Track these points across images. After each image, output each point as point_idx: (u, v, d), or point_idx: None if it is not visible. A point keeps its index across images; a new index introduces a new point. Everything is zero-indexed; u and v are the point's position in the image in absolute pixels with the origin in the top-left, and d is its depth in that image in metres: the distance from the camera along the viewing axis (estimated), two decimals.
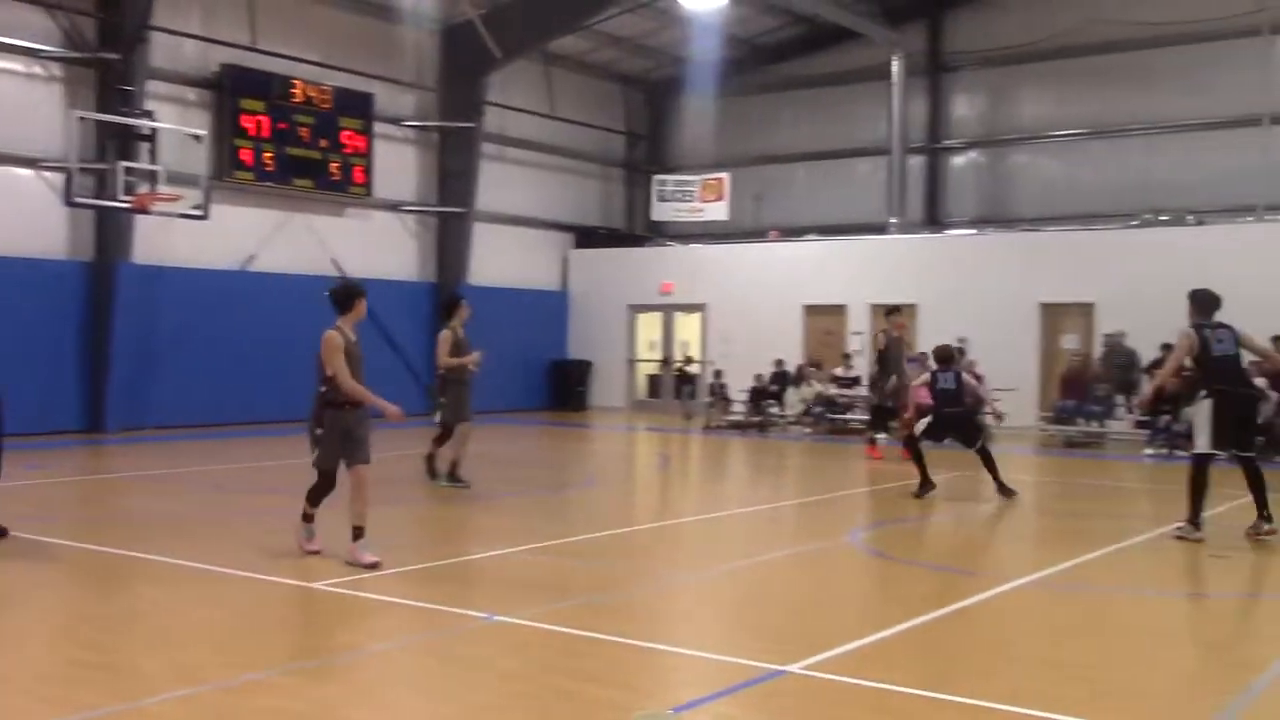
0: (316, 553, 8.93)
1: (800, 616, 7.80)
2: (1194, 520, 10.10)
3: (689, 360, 26.96)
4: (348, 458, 8.89)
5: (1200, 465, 10.15)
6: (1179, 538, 10.11)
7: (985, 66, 26.46)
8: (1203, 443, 10.12)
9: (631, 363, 28.30)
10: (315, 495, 9.16)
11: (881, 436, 17.83)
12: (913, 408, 14.55)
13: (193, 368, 20.62)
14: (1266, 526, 10.13)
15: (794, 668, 6.16)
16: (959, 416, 13.55)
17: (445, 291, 24.95)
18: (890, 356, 17.08)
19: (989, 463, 13.27)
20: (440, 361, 13.10)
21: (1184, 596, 8.84)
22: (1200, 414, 10.13)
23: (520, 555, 9.59)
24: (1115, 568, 9.52)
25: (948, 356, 13.98)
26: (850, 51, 27.18)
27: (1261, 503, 10.21)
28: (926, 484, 13.11)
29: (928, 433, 13.57)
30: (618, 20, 26.05)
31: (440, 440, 13.38)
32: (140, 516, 11.58)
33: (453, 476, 13.11)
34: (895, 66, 25.97)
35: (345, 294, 9.12)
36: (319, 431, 8.86)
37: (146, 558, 8.98)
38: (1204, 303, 10.35)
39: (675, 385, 26.95)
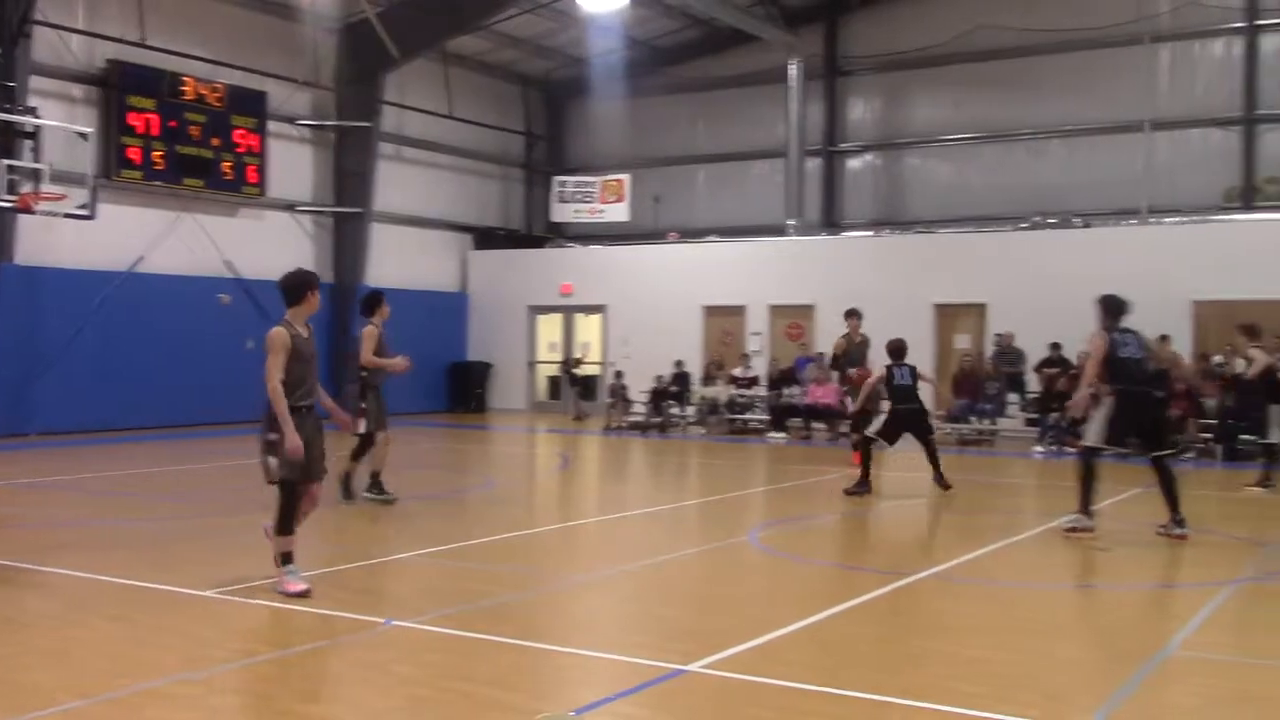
0: (307, 593, 7.72)
1: (700, 616, 7.85)
2: (1084, 510, 10.39)
3: (578, 362, 26.97)
4: (303, 471, 7.92)
5: (1088, 459, 10.46)
6: (1070, 530, 10.37)
7: (880, 71, 26.91)
8: (1093, 437, 10.45)
9: (532, 364, 28.22)
10: (288, 518, 7.98)
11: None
12: (860, 405, 14.61)
13: (79, 372, 20.07)
14: (1178, 531, 10.37)
15: (694, 667, 6.20)
16: (916, 413, 13.60)
17: (343, 293, 24.70)
18: (849, 360, 16.70)
19: (934, 454, 13.45)
20: (364, 359, 11.98)
21: (1073, 589, 9.07)
22: (1101, 411, 10.44)
23: (419, 560, 9.51)
24: (1008, 562, 9.75)
25: (901, 349, 13.79)
26: (749, 54, 27.43)
27: (1173, 504, 10.47)
28: (865, 484, 13.21)
29: (884, 433, 13.62)
30: (517, 21, 25.97)
31: (359, 454, 12.19)
32: (23, 525, 11.23)
33: (377, 488, 12.12)
34: (793, 70, 26.26)
35: (294, 284, 8.09)
36: (272, 438, 7.78)
37: (28, 568, 8.71)
38: (1113, 307, 10.73)
39: (568, 387, 26.98)
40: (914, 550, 11.00)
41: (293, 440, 7.68)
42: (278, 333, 7.88)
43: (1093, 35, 24.05)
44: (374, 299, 12.62)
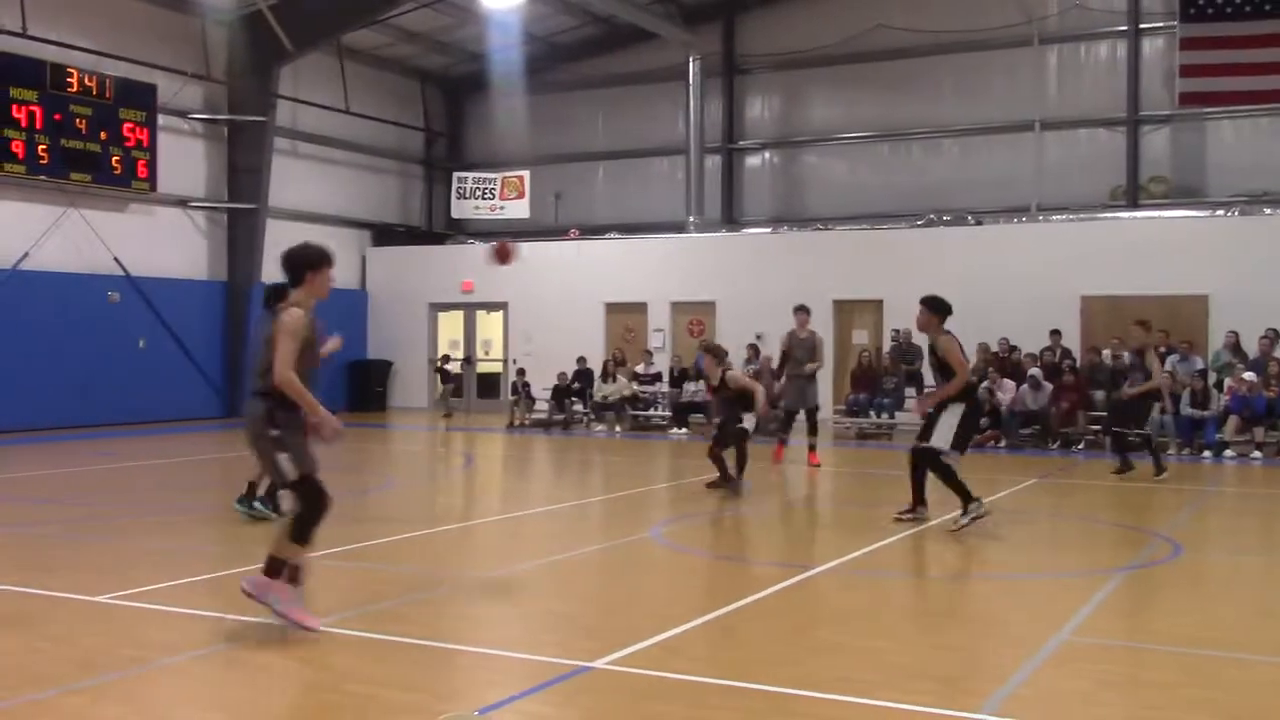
0: (315, 629, 6.78)
1: (603, 613, 7.84)
2: (967, 502, 10.53)
3: (446, 359, 26.81)
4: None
5: (936, 458, 10.73)
6: (968, 523, 10.50)
7: (778, 69, 27.16)
8: (942, 440, 10.60)
9: (433, 362, 27.97)
10: (310, 524, 6.89)
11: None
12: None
13: None
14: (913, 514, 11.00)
15: (599, 663, 6.19)
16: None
17: (236, 291, 24.25)
18: (793, 356, 16.25)
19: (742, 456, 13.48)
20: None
21: (966, 579, 9.25)
22: (952, 415, 10.69)
23: (318, 561, 9.35)
24: (904, 554, 9.91)
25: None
26: (648, 51, 27.50)
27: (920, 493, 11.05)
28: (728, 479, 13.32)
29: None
30: (414, 15, 25.70)
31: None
32: None
33: (270, 500, 10.80)
34: (692, 67, 26.40)
35: (301, 260, 6.98)
36: (275, 433, 6.86)
37: None
38: (945, 309, 11.01)
39: (439, 384, 26.87)
40: (815, 543, 11.13)
41: (328, 419, 6.80)
42: (294, 314, 6.78)
43: (984, 37, 24.58)
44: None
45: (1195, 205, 22.36)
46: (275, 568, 6.84)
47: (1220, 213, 21.29)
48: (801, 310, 16.46)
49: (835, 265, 23.40)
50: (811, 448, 16.20)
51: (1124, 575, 8.92)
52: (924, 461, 10.82)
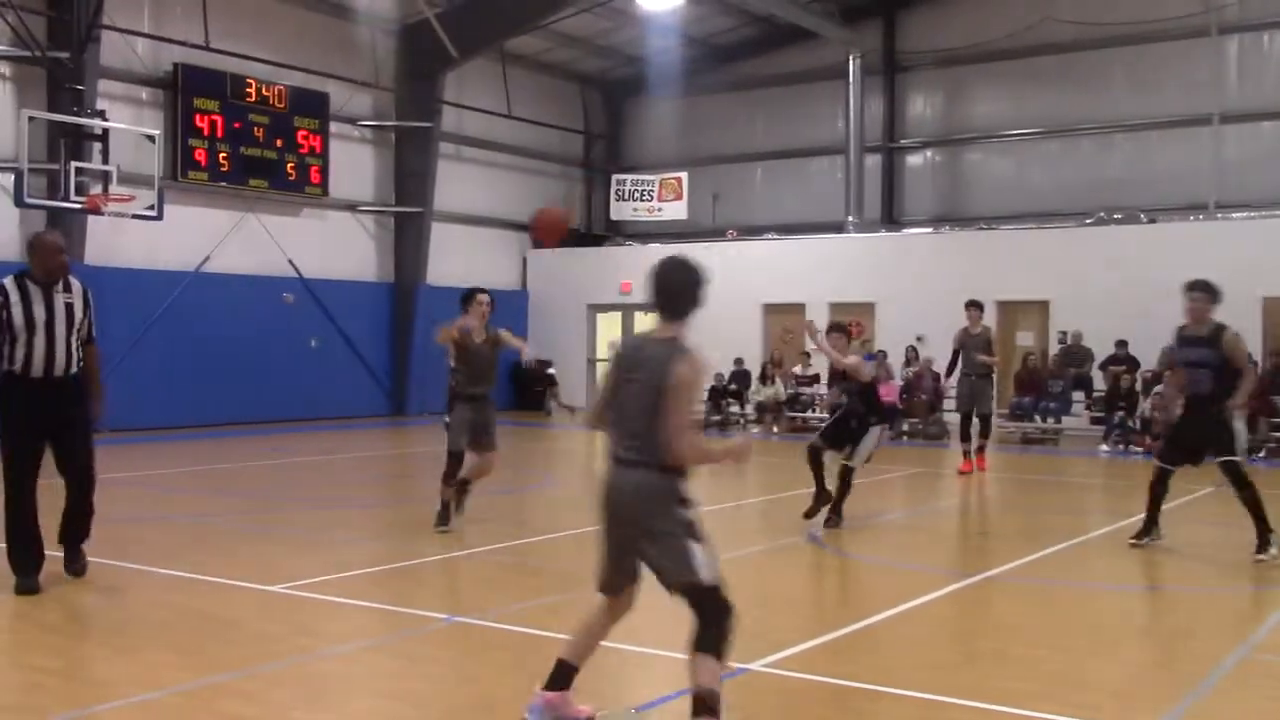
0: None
1: (761, 614, 7.81)
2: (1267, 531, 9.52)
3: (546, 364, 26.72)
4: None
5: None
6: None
7: (940, 66, 26.65)
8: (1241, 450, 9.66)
9: (592, 363, 28.27)
10: (725, 637, 5.21)
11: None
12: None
13: (145, 370, 20.38)
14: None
15: (755, 665, 6.17)
16: None
17: (403, 292, 24.94)
18: (967, 354, 15.67)
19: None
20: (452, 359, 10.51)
21: (1139, 590, 8.92)
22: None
23: (479, 556, 9.55)
24: (1068, 563, 9.61)
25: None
26: (807, 51, 27.29)
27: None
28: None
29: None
30: (574, 20, 26.02)
31: (448, 475, 10.44)
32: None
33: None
34: (852, 65, 26.10)
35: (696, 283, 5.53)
36: (687, 517, 5.31)
37: (99, 561, 8.85)
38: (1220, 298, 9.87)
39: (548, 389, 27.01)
40: (974, 551, 10.87)
41: (740, 445, 5.52)
42: (696, 363, 5.22)
43: (1157, 28, 23.64)
44: (466, 295, 10.80)
45: None
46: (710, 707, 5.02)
47: None
48: (974, 306, 15.81)
49: (999, 265, 22.83)
50: (980, 450, 15.77)
51: None
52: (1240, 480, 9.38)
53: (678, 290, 5.40)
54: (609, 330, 28.49)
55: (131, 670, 6.08)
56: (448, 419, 10.51)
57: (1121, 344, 20.26)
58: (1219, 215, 22.06)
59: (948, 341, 16.34)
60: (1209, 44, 23.27)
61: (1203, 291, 9.61)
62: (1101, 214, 22.81)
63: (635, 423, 5.14)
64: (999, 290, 22.60)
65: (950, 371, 16.19)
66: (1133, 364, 19.97)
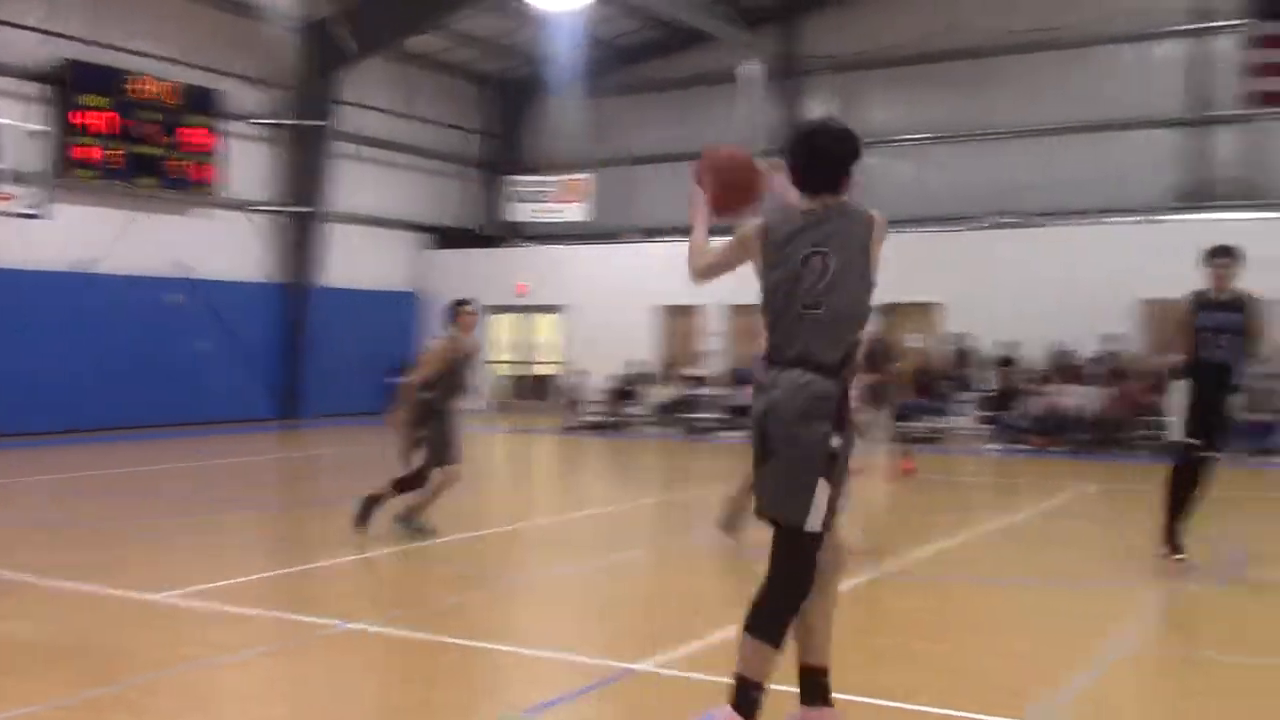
0: None
1: (652, 614, 7.85)
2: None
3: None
4: None
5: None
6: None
7: (839, 71, 26.99)
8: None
9: (488, 364, 28.14)
10: (782, 615, 4.87)
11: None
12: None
13: (25, 373, 19.78)
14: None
15: (643, 665, 6.20)
16: None
17: (296, 294, 24.53)
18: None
19: None
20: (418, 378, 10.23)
21: (1027, 584, 9.15)
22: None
23: (372, 561, 9.45)
24: (963, 558, 9.82)
25: None
26: (708, 54, 27.45)
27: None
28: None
29: None
30: (475, 19, 25.88)
31: (404, 485, 10.18)
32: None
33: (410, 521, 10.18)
34: (749, 70, 26.31)
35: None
36: (836, 444, 4.67)
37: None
38: None
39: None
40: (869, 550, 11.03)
41: None
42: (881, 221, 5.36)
43: (1050, 36, 24.23)
44: (454, 306, 10.91)
45: (1264, 207, 21.93)
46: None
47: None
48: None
49: (894, 268, 22.95)
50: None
51: (1198, 587, 8.77)
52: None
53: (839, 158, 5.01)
54: (502, 333, 28.45)
55: (5, 685, 5.90)
56: (423, 433, 10.14)
57: (1011, 345, 20.75)
58: (1103, 220, 22.71)
59: None
60: (1098, 53, 23.95)
61: (1227, 256, 9.02)
62: (994, 217, 23.33)
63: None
64: (895, 293, 22.90)
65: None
66: (1022, 365, 20.48)
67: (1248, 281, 9.05)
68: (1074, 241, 22.03)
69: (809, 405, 4.53)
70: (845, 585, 8.39)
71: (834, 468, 4.54)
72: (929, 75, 25.90)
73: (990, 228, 23.10)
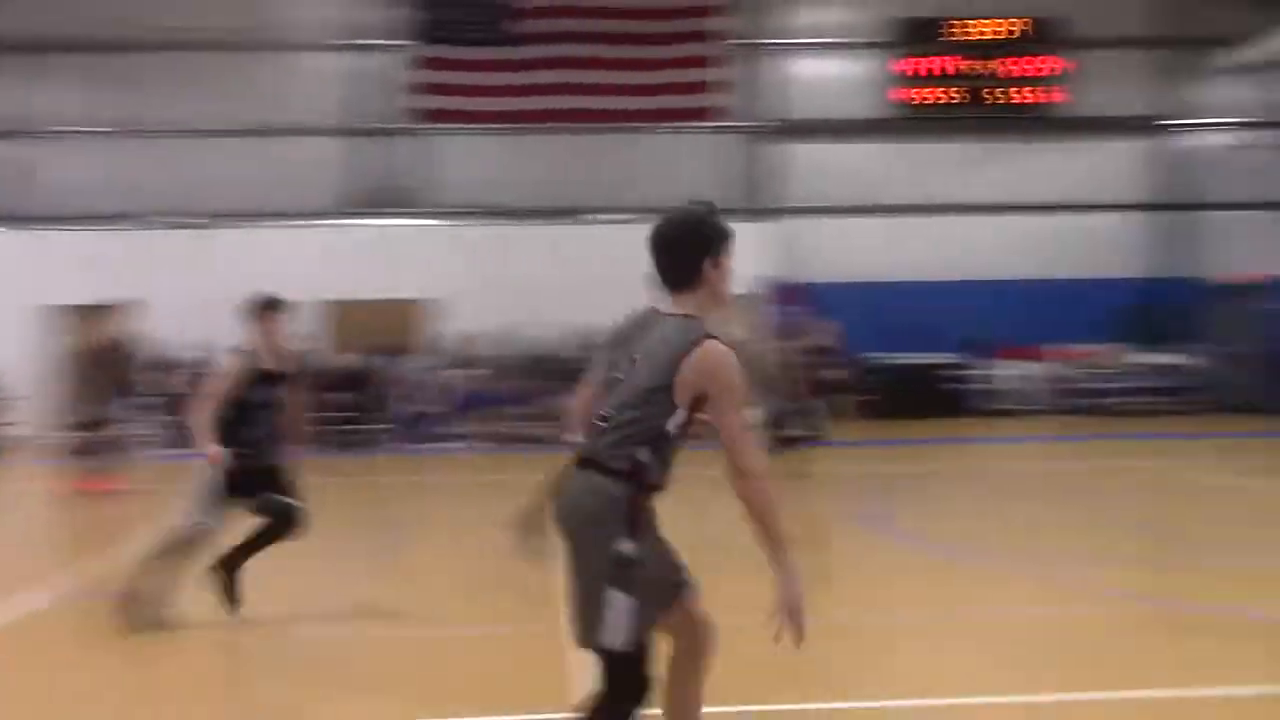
0: None
1: None
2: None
3: None
4: None
5: None
6: None
7: (10, 53, 24.42)
8: None
9: None
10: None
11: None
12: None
13: None
14: None
15: None
16: None
17: None
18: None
19: None
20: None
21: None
22: None
23: None
24: None
25: None
26: None
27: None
28: None
29: None
30: None
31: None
32: None
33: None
34: None
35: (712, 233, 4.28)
36: (629, 551, 3.97)
37: None
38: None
39: None
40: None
41: None
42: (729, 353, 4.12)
43: (209, 37, 24.07)
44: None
45: (423, 215, 23.74)
46: None
47: (443, 222, 22.98)
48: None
49: (54, 266, 22.21)
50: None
51: None
52: None
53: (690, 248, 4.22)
54: None
55: None
56: None
57: (202, 347, 20.29)
58: (283, 223, 23.25)
59: None
60: (254, 59, 24.43)
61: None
62: (172, 217, 23.02)
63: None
64: (58, 294, 21.48)
65: None
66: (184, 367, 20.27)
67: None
68: (244, 243, 22.34)
69: None
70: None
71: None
72: (104, 66, 24.44)
73: (166, 228, 22.61)
